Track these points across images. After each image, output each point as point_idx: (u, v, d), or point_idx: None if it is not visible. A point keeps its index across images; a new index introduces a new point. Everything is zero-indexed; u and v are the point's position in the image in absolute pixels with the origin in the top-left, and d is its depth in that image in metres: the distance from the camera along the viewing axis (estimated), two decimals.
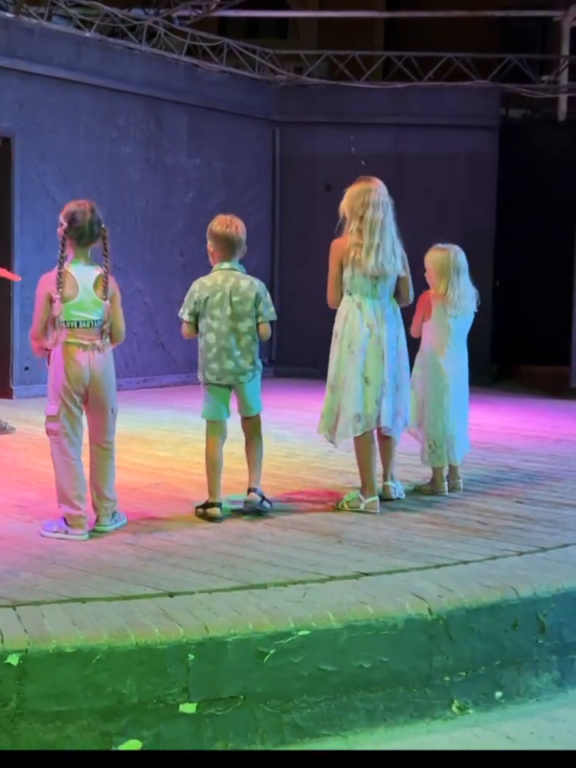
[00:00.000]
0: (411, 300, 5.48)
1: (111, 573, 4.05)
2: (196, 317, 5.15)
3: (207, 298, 5.11)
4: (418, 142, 11.38)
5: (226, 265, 5.16)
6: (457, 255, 5.68)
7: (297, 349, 10.46)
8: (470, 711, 3.83)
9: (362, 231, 5.21)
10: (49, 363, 4.71)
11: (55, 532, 4.63)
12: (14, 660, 3.24)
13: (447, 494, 5.69)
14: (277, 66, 11.76)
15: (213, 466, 5.19)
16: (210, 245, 5.21)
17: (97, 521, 4.77)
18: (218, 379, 5.14)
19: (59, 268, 4.61)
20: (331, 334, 5.42)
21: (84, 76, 9.69)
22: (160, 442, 7.13)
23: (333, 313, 5.45)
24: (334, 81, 11.77)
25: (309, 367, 10.01)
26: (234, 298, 5.08)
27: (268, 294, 5.20)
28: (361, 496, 5.30)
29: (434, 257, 5.69)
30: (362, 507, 5.25)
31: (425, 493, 5.70)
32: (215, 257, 5.22)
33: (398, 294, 5.41)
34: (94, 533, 4.70)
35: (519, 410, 9.40)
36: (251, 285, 5.13)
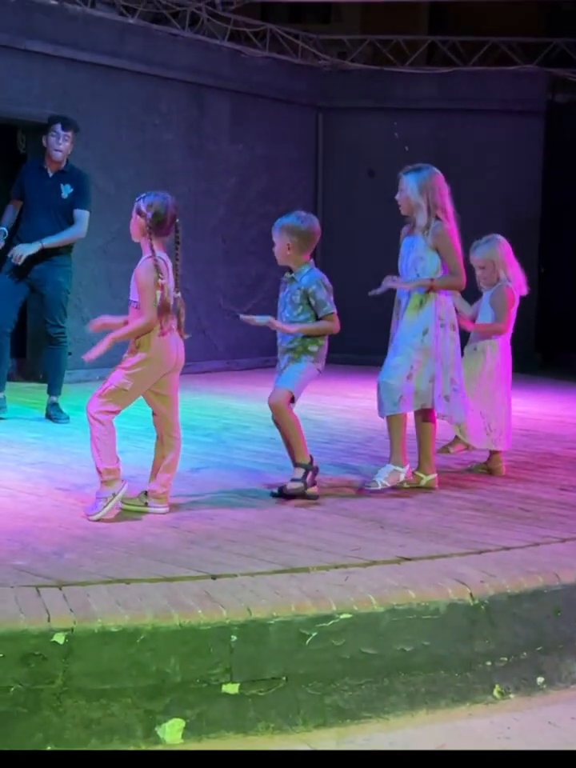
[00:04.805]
0: None
1: (154, 555, 4.09)
2: None
3: None
4: (463, 128, 11.30)
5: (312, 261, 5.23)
6: (506, 242, 5.83)
7: (339, 335, 10.44)
8: (512, 696, 3.83)
9: (450, 221, 5.27)
10: (136, 348, 4.73)
11: (98, 509, 4.66)
12: (60, 638, 3.29)
13: (503, 473, 5.82)
14: (320, 51, 11.73)
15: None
16: (293, 242, 5.10)
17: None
18: None
19: (153, 256, 4.68)
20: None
21: (127, 63, 9.73)
22: (202, 427, 7.17)
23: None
24: (378, 66, 11.71)
25: (350, 353, 10.00)
26: None
27: None
28: (398, 468, 5.30)
29: (495, 250, 5.77)
30: (402, 478, 5.28)
31: (484, 472, 5.84)
32: (303, 255, 5.15)
33: None
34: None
35: (563, 398, 9.33)
36: None
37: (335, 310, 5.11)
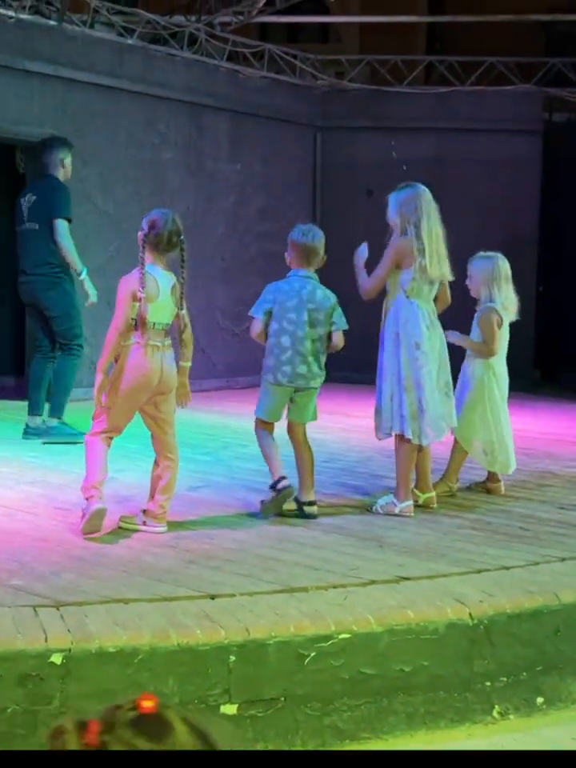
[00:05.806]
0: (450, 301, 5.50)
1: (153, 574, 4.07)
2: (268, 316, 5.20)
3: (283, 301, 5.16)
4: (461, 147, 11.33)
5: (303, 272, 5.23)
6: (503, 263, 5.75)
7: (337, 353, 10.46)
8: (511, 716, 3.81)
9: (420, 238, 5.22)
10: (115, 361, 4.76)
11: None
12: (57, 659, 3.27)
13: (503, 492, 5.80)
14: (318, 71, 11.77)
15: (273, 446, 5.22)
16: (289, 253, 5.26)
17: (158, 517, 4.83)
18: (289, 381, 5.19)
19: (141, 269, 4.70)
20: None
21: (126, 82, 9.76)
22: (201, 445, 7.16)
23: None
24: (376, 85, 11.75)
25: (350, 372, 10.01)
26: (310, 306, 5.16)
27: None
28: (395, 500, 5.28)
29: (484, 266, 5.74)
30: (397, 511, 5.24)
31: (483, 491, 5.82)
32: (293, 264, 5.27)
33: (438, 297, 5.42)
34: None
35: (562, 416, 9.32)
36: (326, 295, 5.24)
37: (251, 312, 5.22)
